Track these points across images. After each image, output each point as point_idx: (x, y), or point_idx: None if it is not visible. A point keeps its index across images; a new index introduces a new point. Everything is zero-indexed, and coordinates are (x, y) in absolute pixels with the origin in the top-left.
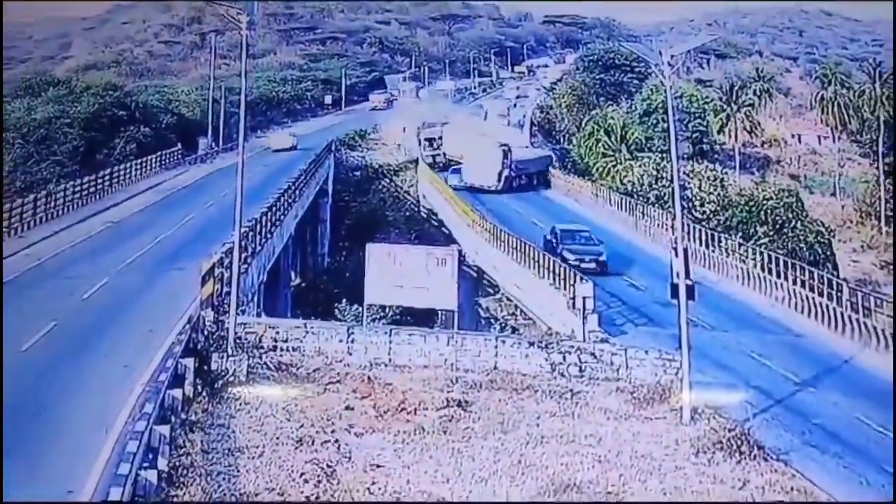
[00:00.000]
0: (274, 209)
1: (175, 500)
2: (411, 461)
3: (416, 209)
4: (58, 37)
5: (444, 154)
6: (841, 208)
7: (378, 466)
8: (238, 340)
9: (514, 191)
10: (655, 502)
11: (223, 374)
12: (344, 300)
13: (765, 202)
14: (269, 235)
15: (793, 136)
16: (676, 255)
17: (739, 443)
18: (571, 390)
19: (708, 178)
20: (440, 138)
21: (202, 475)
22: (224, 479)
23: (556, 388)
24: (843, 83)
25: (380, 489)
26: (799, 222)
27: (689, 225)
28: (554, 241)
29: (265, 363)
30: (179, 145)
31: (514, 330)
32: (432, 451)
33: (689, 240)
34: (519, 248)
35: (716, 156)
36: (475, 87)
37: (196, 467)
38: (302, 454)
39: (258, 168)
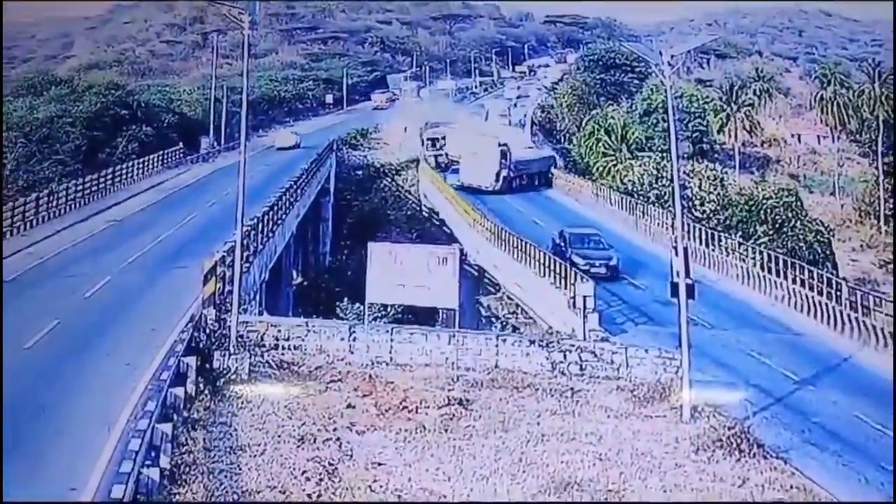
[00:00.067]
0: (276, 208)
1: (177, 497)
2: (413, 459)
3: (418, 208)
4: (60, 36)
5: (447, 154)
6: (840, 207)
7: (379, 464)
8: (240, 339)
9: (513, 191)
10: (656, 501)
11: (225, 372)
12: (345, 299)
13: (764, 201)
14: (270, 234)
15: (792, 135)
16: (676, 253)
17: (739, 441)
18: (572, 389)
19: (708, 177)
20: (443, 138)
21: (204, 473)
22: (226, 477)
23: (556, 387)
24: (842, 83)
25: (381, 487)
26: (798, 221)
27: (689, 224)
28: (563, 244)
29: (267, 361)
30: (181, 144)
31: (514, 329)
32: (433, 449)
33: (689, 239)
34: (520, 247)
35: (716, 155)
36: (476, 87)
37: (198, 465)
38: (304, 452)
39: (260, 167)
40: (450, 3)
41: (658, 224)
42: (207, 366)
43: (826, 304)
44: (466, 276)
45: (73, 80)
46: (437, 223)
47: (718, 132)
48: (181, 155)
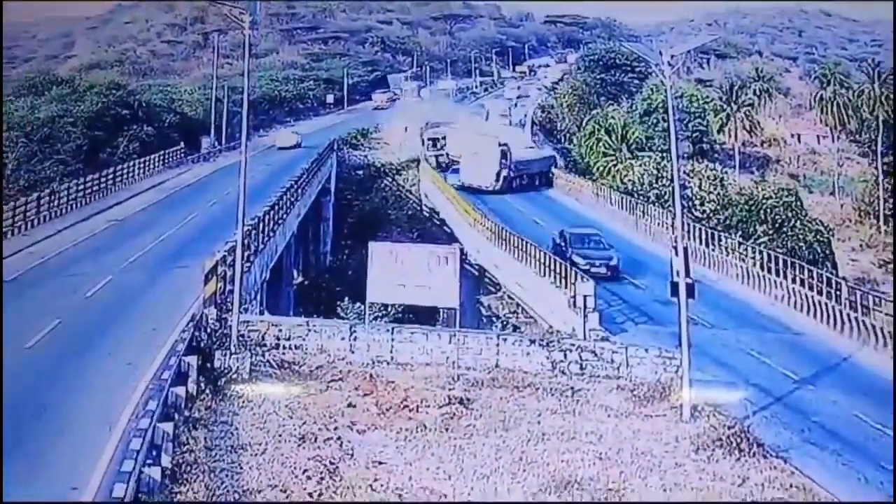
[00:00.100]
0: (277, 207)
1: (179, 496)
2: (413, 458)
3: (419, 208)
4: (61, 36)
5: (448, 154)
6: (840, 207)
7: (380, 463)
8: (241, 338)
9: (514, 191)
10: (655, 501)
11: (226, 371)
12: (346, 298)
13: (764, 201)
14: (271, 234)
15: (792, 135)
16: (676, 253)
17: (739, 440)
18: (572, 388)
19: (708, 177)
20: (444, 138)
21: (205, 472)
22: (227, 475)
23: (557, 386)
24: (842, 83)
25: (382, 486)
26: (798, 221)
27: (688, 224)
28: (563, 244)
29: (268, 361)
30: (182, 144)
31: (515, 328)
32: (434, 448)
33: (688, 238)
34: (520, 246)
35: (716, 155)
36: (477, 87)
37: (199, 464)
38: (304, 451)
39: (261, 167)
40: (450, 3)
41: (658, 224)
42: (208, 365)
43: (826, 304)
44: (467, 275)
45: (74, 79)
46: (438, 223)
47: (718, 132)
48: (182, 155)
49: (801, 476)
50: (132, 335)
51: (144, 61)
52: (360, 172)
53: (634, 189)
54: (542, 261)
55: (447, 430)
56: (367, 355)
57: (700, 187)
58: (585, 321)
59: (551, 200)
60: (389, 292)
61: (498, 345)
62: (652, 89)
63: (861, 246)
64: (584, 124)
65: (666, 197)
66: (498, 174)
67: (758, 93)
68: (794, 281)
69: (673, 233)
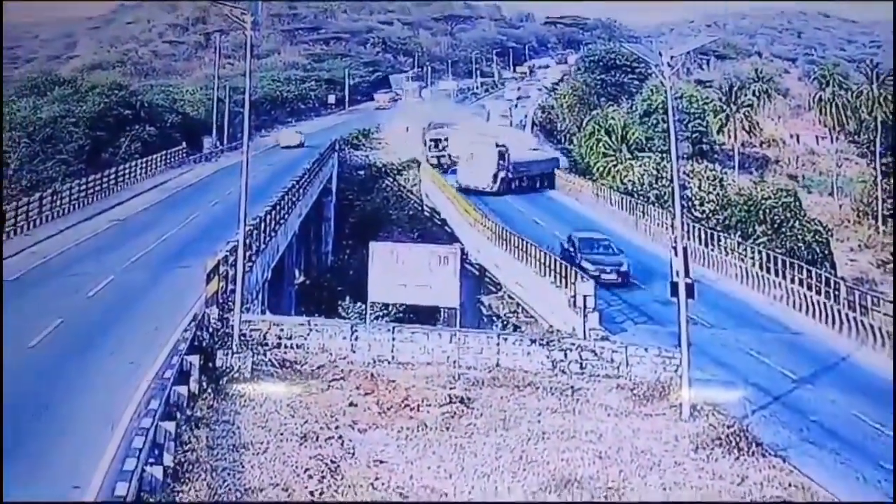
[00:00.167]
0: (278, 208)
1: (180, 495)
2: (414, 457)
3: (420, 208)
4: (63, 36)
5: (450, 156)
6: (839, 208)
7: (381, 462)
8: (243, 337)
9: (513, 192)
10: (655, 502)
11: (228, 370)
12: (347, 298)
13: (763, 201)
14: (273, 234)
15: (791, 136)
16: (676, 253)
17: (738, 439)
18: (572, 387)
19: (707, 177)
20: (446, 140)
21: (207, 471)
22: (229, 474)
23: (557, 385)
24: (841, 84)
25: (383, 485)
26: (797, 221)
27: (688, 224)
28: (572, 249)
29: (269, 360)
30: (184, 144)
31: (515, 328)
32: (435, 447)
33: (688, 239)
34: (520, 246)
35: (715, 156)
36: (477, 87)
37: (201, 463)
38: (306, 450)
39: (262, 167)
40: (451, 3)
41: (658, 224)
42: (210, 364)
43: (824, 304)
44: (467, 275)
45: (76, 80)
46: (439, 223)
47: (718, 133)
48: (184, 155)
49: (800, 475)
50: (134, 334)
51: (146, 61)
52: (362, 172)
53: (634, 189)
54: (543, 260)
55: (448, 429)
56: (368, 355)
57: (699, 188)
58: (585, 321)
59: (551, 201)
60: (390, 292)
61: (498, 344)
62: (652, 90)
63: (859, 246)
64: (584, 125)
65: (665, 197)
66: (495, 176)
67: (757, 94)
68: (792, 281)
69: (672, 233)
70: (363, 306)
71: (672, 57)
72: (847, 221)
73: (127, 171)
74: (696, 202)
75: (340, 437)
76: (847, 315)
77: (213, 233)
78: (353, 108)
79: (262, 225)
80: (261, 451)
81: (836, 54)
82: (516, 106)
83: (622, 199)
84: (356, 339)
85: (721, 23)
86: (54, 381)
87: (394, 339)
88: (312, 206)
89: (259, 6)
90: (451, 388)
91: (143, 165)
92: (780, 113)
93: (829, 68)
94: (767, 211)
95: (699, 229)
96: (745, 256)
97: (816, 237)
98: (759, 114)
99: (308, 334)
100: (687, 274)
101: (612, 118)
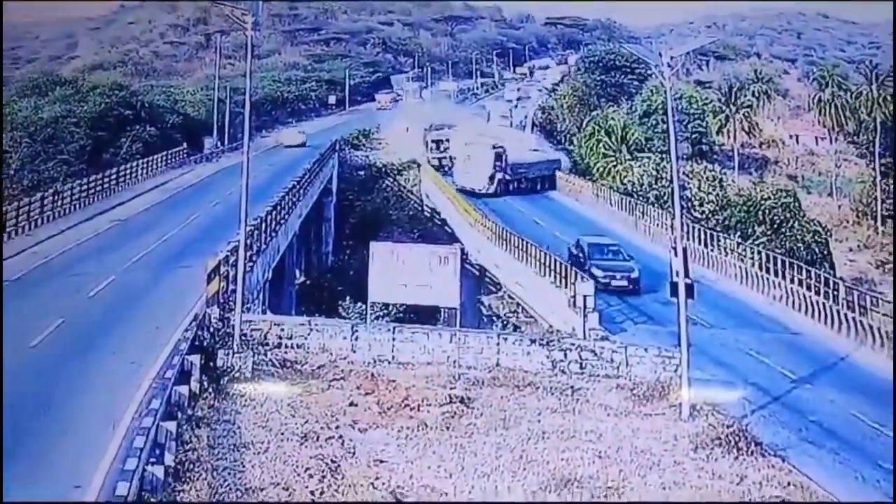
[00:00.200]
0: (279, 208)
1: (182, 495)
2: (414, 456)
3: (420, 208)
4: (64, 37)
5: (451, 157)
6: (838, 208)
7: (382, 462)
8: (243, 337)
9: (511, 194)
10: (655, 502)
11: (229, 370)
12: (348, 298)
13: (763, 202)
14: (274, 234)
15: (791, 136)
16: (676, 254)
17: (737, 439)
18: (572, 387)
19: (707, 178)
20: (448, 141)
21: (208, 470)
22: (230, 474)
23: (556, 385)
24: (840, 85)
25: (383, 484)
26: (796, 222)
27: (688, 224)
28: (580, 255)
29: (270, 360)
30: (185, 145)
31: (515, 328)
32: (435, 446)
33: (688, 239)
34: (520, 246)
35: (715, 156)
36: (477, 88)
37: (202, 462)
38: (307, 450)
39: (263, 167)
40: (451, 4)
41: (657, 224)
42: (211, 364)
43: (823, 304)
44: (468, 275)
45: (77, 80)
46: (439, 223)
47: (717, 133)
48: (185, 155)
49: (799, 474)
50: (135, 334)
51: (147, 62)
52: (362, 173)
53: (634, 190)
54: (543, 261)
55: (448, 428)
56: (368, 354)
57: (699, 188)
58: (585, 321)
59: (551, 201)
60: (391, 292)
61: (498, 344)
62: (651, 91)
63: (858, 246)
64: (584, 125)
65: (665, 198)
66: (492, 177)
67: (756, 94)
68: (792, 281)
69: (672, 233)
70: (363, 306)
71: (672, 58)
72: (846, 222)
73: (128, 171)
74: (696, 203)
75: (341, 436)
76: (846, 315)
77: (214, 233)
78: (354, 108)
79: (263, 225)
80: (261, 451)
81: (835, 55)
82: (516, 107)
83: (622, 199)
84: (356, 338)
85: (721, 24)
86: (55, 381)
87: (394, 338)
88: (313, 206)
89: (260, 7)
90: (451, 388)
91: (144, 166)
92: (780, 114)
93: (829, 69)
94: (767, 211)
95: (699, 230)
96: (745, 257)
97: (816, 237)
98: (758, 114)
99: (309, 334)
100: (687, 274)
101: (612, 119)
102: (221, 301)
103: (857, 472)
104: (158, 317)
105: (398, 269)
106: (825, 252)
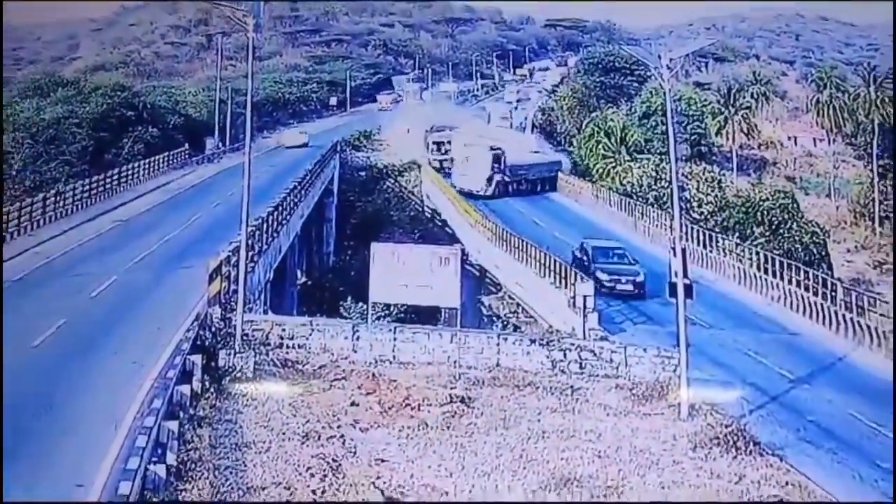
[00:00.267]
0: (280, 208)
1: (183, 494)
2: (415, 456)
3: (421, 209)
4: (66, 38)
5: (452, 159)
6: (836, 209)
7: (383, 461)
8: (245, 337)
9: (510, 196)
10: (654, 501)
11: (230, 370)
12: (349, 298)
13: (761, 203)
14: (275, 234)
15: (789, 138)
16: (675, 254)
17: (736, 438)
18: (572, 387)
19: (706, 179)
20: (449, 142)
21: (210, 470)
22: (231, 473)
23: (556, 385)
24: (838, 87)
25: (384, 483)
26: (794, 223)
27: (687, 225)
28: (585, 258)
29: (272, 360)
30: (187, 145)
31: (515, 328)
32: (436, 446)
33: (687, 240)
34: (520, 247)
35: (713, 157)
36: (478, 90)
37: (204, 462)
38: (308, 449)
39: (264, 168)
40: (452, 5)
41: (656, 225)
42: (213, 364)
43: (821, 305)
44: (468, 275)
45: (79, 81)
46: (440, 224)
47: (716, 135)
48: (186, 156)
49: (797, 474)
50: (137, 334)
51: (149, 63)
52: (363, 174)
53: (633, 191)
54: (542, 261)
55: (448, 428)
56: (369, 354)
57: (698, 189)
58: (585, 321)
59: (551, 202)
60: (392, 292)
61: (498, 344)
62: (651, 92)
63: (856, 247)
64: (583, 127)
65: (664, 199)
66: (489, 179)
67: (755, 96)
68: (790, 282)
69: (671, 234)
70: (365, 306)
71: (671, 59)
72: (844, 223)
73: (130, 172)
74: (695, 204)
75: (342, 436)
76: (844, 316)
77: (216, 233)
78: (355, 109)
79: (265, 226)
80: (263, 450)
81: (833, 57)
82: (516, 108)
83: (621, 200)
84: (358, 339)
85: (720, 25)
86: (57, 381)
87: (395, 339)
88: (314, 207)
89: (261, 8)
90: (451, 388)
91: (146, 166)
92: (778, 115)
93: (827, 71)
94: (765, 212)
95: (698, 230)
96: (743, 257)
97: (814, 238)
98: (757, 116)
99: (310, 334)
100: (685, 275)
101: (612, 120)
102: (223, 301)
103: (855, 471)
104: (160, 317)
105: (399, 270)
106: (823, 253)
